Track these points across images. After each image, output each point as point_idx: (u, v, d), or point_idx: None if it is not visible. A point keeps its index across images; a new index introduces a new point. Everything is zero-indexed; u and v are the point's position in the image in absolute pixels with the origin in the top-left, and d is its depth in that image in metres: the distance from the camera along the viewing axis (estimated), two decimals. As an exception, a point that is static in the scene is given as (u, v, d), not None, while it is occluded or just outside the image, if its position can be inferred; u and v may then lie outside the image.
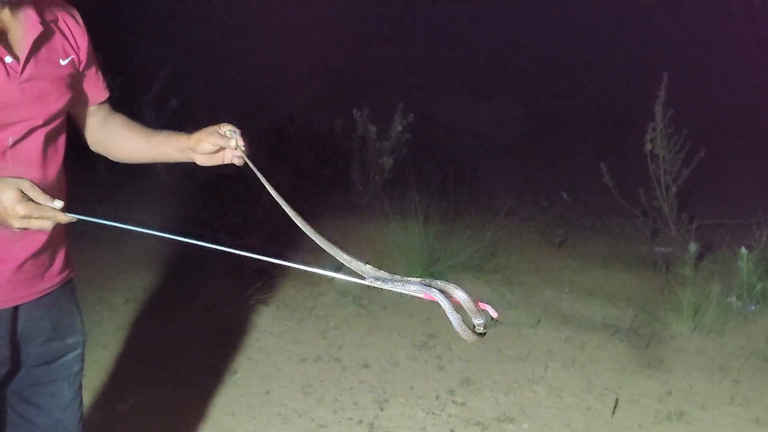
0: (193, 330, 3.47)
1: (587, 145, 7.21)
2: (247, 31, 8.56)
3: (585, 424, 2.94)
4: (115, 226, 1.44)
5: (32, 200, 1.37)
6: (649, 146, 5.46)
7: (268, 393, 3.03)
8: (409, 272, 4.21)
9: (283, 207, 1.59)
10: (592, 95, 8.77)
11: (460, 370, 3.30)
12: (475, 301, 1.40)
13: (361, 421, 2.88)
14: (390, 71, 8.36)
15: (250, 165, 1.63)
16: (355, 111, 5.51)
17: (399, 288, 1.43)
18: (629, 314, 3.94)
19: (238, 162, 1.65)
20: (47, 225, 1.38)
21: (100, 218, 1.44)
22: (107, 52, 6.34)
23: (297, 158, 5.80)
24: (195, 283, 3.90)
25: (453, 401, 3.05)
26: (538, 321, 3.83)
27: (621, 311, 4.00)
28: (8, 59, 1.48)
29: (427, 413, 2.96)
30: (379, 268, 1.50)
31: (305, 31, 8.82)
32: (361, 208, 5.43)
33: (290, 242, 4.50)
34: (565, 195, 6.21)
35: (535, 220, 5.55)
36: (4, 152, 1.52)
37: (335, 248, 1.54)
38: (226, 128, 1.65)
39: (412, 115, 5.55)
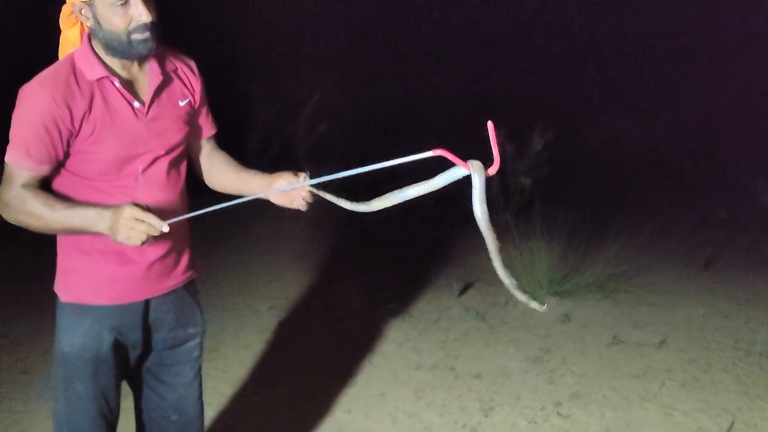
0: (325, 335, 3.83)
1: (749, 159, 6.80)
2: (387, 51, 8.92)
3: (692, 444, 2.90)
4: (203, 213, 1.83)
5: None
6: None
7: (383, 395, 3.29)
8: (533, 290, 4.30)
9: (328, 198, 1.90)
10: (752, 103, 8.20)
11: (570, 384, 3.37)
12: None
13: (465, 425, 3.06)
14: (528, 88, 8.38)
15: (314, 191, 1.93)
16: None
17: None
18: (767, 338, 3.76)
19: (303, 207, 1.96)
20: (149, 232, 1.74)
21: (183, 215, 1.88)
22: (263, 80, 6.98)
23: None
24: (332, 293, 4.28)
25: (558, 413, 3.14)
26: (663, 341, 3.78)
27: (758, 335, 3.83)
28: (136, 104, 1.89)
29: (530, 422, 3.07)
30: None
31: (450, 54, 9.09)
32: (499, 228, 5.56)
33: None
34: (724, 213, 5.93)
35: (682, 239, 5.39)
36: (137, 177, 1.92)
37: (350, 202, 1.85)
38: (302, 175, 1.95)
39: (551, 132, 5.61)
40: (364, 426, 3.06)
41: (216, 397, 3.22)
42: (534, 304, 1.74)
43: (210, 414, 3.07)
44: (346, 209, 1.89)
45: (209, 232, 5.01)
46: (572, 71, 8.93)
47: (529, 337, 3.83)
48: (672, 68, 8.95)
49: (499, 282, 4.77)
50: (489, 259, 5.08)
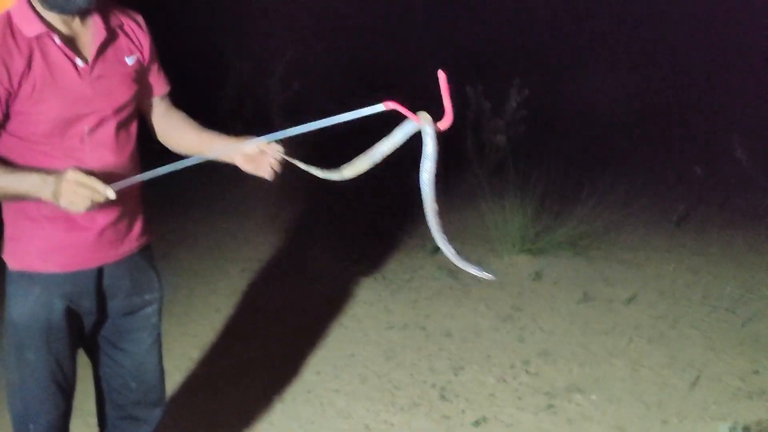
0: (296, 297, 3.81)
1: (723, 117, 6.79)
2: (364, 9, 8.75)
3: (658, 398, 2.93)
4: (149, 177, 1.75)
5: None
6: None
7: (352, 356, 3.29)
8: (506, 249, 4.29)
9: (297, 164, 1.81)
10: (727, 63, 8.17)
11: (539, 342, 3.38)
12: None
13: (434, 385, 3.07)
14: (508, 47, 8.28)
15: (286, 157, 1.85)
16: (468, 88, 5.57)
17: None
18: (735, 293, 3.79)
19: (270, 175, 1.87)
20: (93, 197, 1.66)
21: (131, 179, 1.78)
22: (235, 38, 6.81)
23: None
24: (303, 256, 4.26)
25: (526, 371, 3.16)
26: (632, 297, 3.80)
27: (726, 290, 3.86)
28: (79, 62, 1.81)
29: (498, 380, 3.09)
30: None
31: (428, 9, 8.95)
32: (471, 188, 5.53)
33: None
34: (698, 170, 5.92)
35: (656, 196, 5.39)
36: (83, 139, 1.85)
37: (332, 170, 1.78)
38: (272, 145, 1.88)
39: (527, 90, 5.55)
40: (333, 387, 3.06)
41: (185, 362, 3.20)
42: (473, 269, 1.66)
43: (179, 378, 3.06)
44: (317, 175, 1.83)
45: (180, 196, 4.94)
46: (549, 29, 8.84)
47: (501, 295, 3.83)
48: (648, 25, 8.87)
49: (474, 240, 4.75)
50: (464, 218, 5.06)
